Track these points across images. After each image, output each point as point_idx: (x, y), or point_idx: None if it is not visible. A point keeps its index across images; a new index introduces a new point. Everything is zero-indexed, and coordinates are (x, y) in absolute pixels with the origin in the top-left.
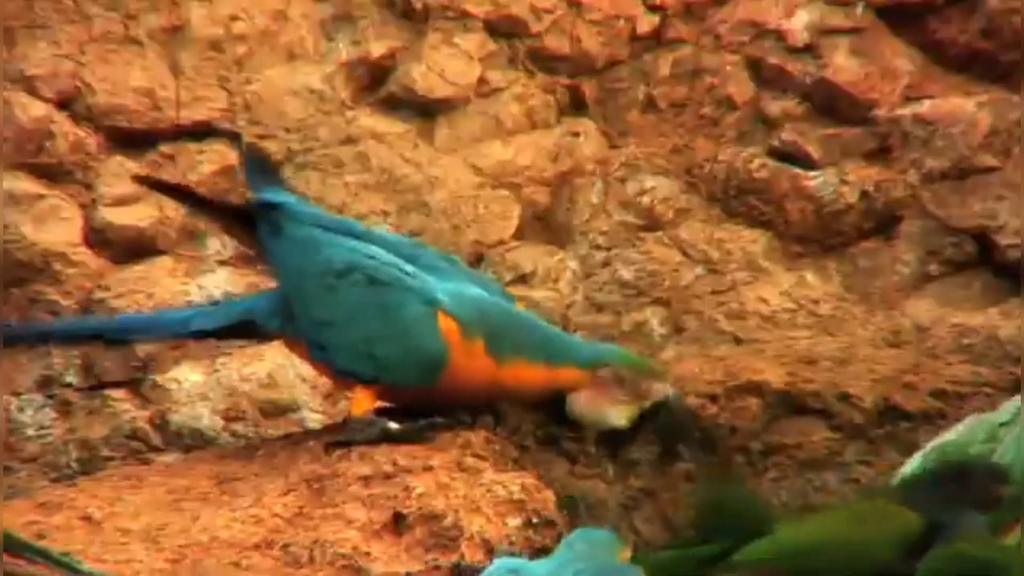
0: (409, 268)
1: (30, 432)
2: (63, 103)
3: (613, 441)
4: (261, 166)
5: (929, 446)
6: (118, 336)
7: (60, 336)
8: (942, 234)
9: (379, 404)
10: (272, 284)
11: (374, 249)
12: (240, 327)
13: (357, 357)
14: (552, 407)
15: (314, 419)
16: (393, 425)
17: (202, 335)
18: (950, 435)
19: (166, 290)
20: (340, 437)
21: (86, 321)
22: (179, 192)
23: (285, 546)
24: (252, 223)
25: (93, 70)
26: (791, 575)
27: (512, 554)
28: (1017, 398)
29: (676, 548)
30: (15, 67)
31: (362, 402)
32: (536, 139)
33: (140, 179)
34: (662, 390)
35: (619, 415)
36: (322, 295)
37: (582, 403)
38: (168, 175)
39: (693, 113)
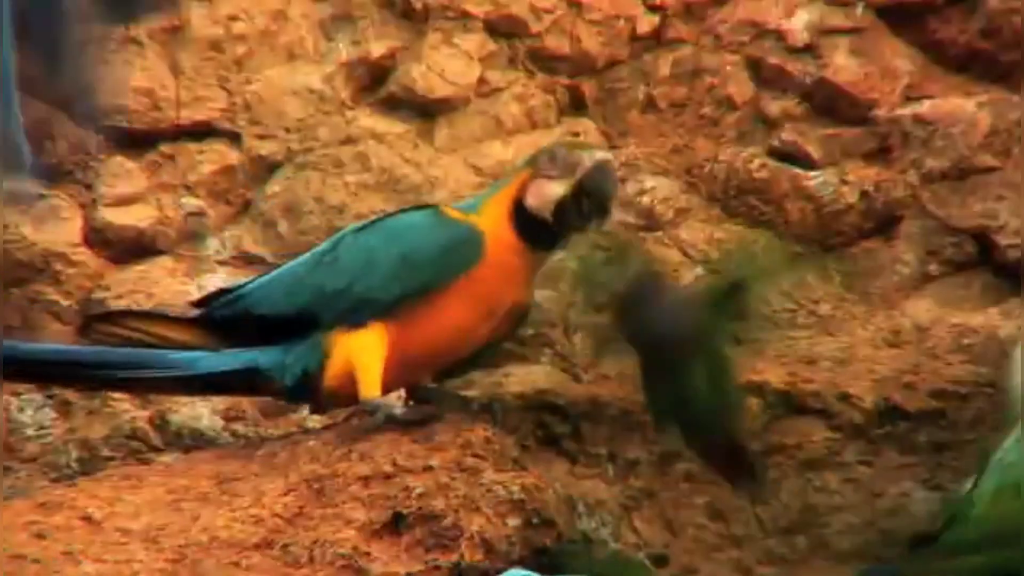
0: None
1: (30, 432)
2: (63, 103)
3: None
4: None
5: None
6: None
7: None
8: (942, 234)
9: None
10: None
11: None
12: (245, 376)
13: (401, 279)
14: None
15: (314, 419)
16: (398, 410)
17: (203, 381)
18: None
19: (166, 290)
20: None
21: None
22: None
23: (285, 546)
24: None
25: None
26: None
27: (526, 566)
28: None
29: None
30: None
31: (370, 379)
32: (536, 139)
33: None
34: (589, 158)
35: (561, 187)
36: (321, 275)
37: (534, 196)
38: (168, 175)
39: (693, 113)
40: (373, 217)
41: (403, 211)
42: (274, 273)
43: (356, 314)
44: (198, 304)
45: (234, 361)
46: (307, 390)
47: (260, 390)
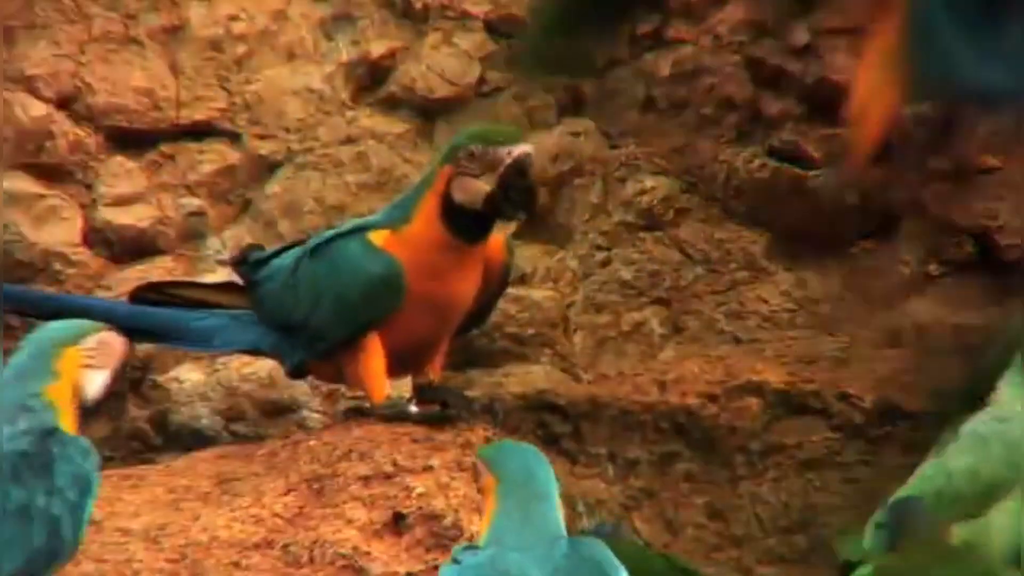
0: (342, 229)
1: None
2: (63, 103)
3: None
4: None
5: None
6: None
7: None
8: (942, 234)
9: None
10: None
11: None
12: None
13: (341, 321)
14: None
15: (314, 419)
16: (413, 409)
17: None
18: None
19: None
20: (363, 408)
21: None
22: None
23: (285, 546)
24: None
25: (93, 70)
26: None
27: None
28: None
29: None
30: (15, 67)
31: (378, 384)
32: (536, 139)
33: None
34: (509, 154)
35: (489, 183)
36: (291, 298)
37: (458, 195)
38: (167, 175)
39: (693, 113)
40: (335, 228)
41: (339, 235)
42: (277, 268)
43: (320, 343)
44: (233, 261)
45: (242, 341)
46: (305, 373)
47: (268, 357)
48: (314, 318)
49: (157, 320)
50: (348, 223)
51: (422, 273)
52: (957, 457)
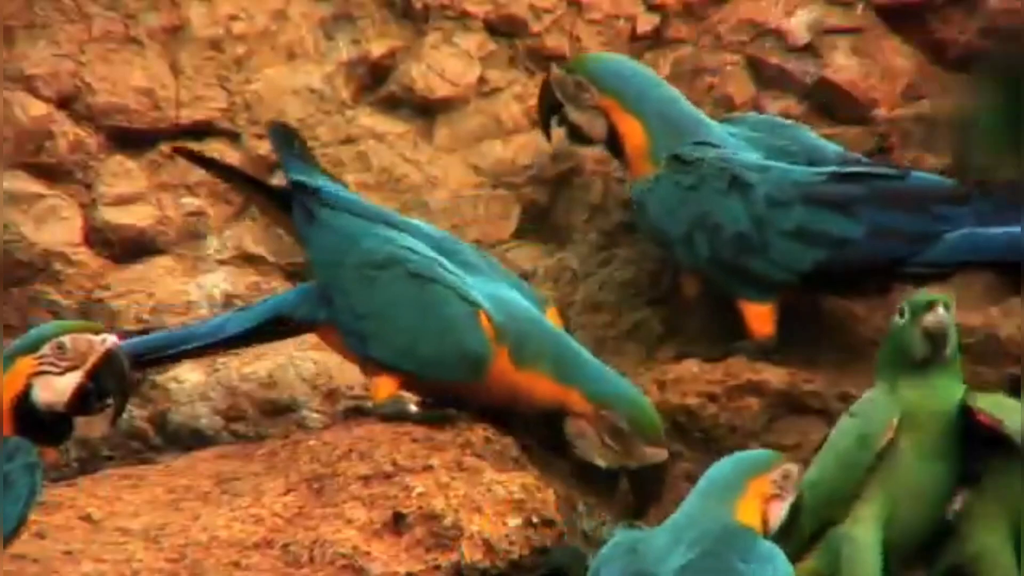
0: (448, 265)
1: None
2: (63, 103)
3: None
4: (294, 148)
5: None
6: (153, 354)
7: None
8: None
9: (401, 393)
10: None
11: (412, 241)
12: (272, 325)
13: (397, 351)
14: (554, 419)
15: (314, 419)
16: (412, 408)
17: (237, 341)
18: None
19: (166, 289)
20: (363, 407)
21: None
22: (220, 168)
23: (285, 546)
24: (289, 206)
25: (93, 70)
26: None
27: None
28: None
29: None
30: (15, 66)
31: (385, 388)
32: (536, 139)
33: (183, 153)
34: (655, 455)
35: (603, 460)
36: (361, 286)
37: (576, 431)
38: (167, 175)
39: None
40: None
41: None
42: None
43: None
44: (296, 183)
45: (259, 316)
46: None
47: (292, 332)
48: (372, 325)
49: (157, 340)
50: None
51: (491, 389)
52: (812, 467)
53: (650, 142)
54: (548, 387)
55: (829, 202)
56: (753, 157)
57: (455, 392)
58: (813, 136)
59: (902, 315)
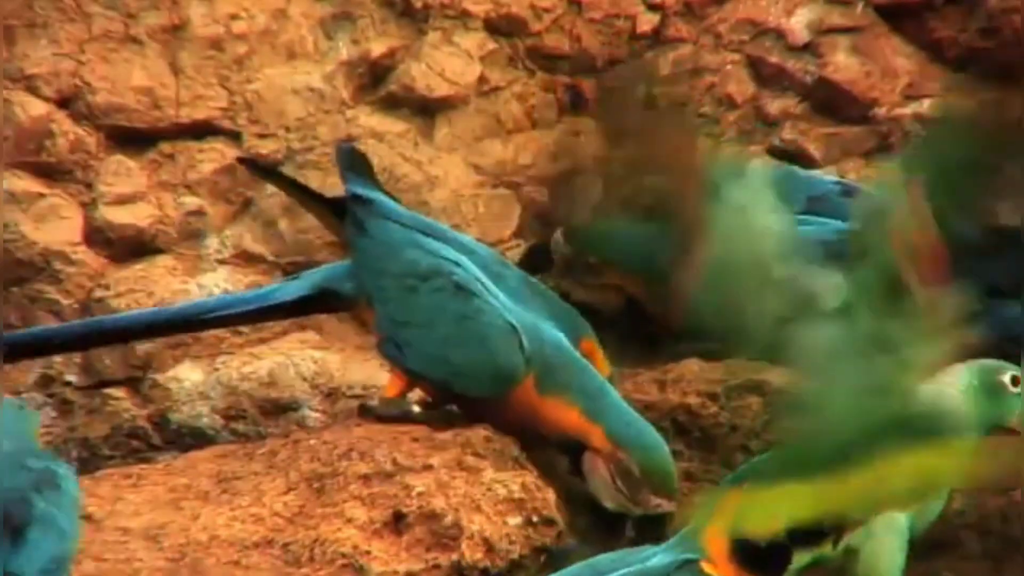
0: (490, 285)
1: None
2: (63, 102)
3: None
4: (355, 164)
5: None
6: (194, 323)
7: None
8: None
9: (411, 393)
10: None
11: (458, 256)
12: (320, 297)
13: (431, 361)
14: (573, 448)
15: (314, 418)
16: (416, 409)
17: (284, 309)
18: None
19: (166, 289)
20: (369, 407)
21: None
22: (278, 177)
23: (285, 545)
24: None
25: (93, 69)
26: None
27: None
28: None
29: None
30: (15, 66)
31: (396, 386)
32: (536, 138)
33: (245, 162)
34: (660, 507)
35: (611, 502)
36: (403, 295)
37: (591, 467)
38: (167, 174)
39: (693, 112)
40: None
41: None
42: (391, 244)
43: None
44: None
45: (308, 285)
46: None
47: (341, 307)
48: (410, 334)
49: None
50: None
51: (513, 409)
52: None
53: None
54: (573, 418)
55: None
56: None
57: (479, 409)
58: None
59: (1015, 383)
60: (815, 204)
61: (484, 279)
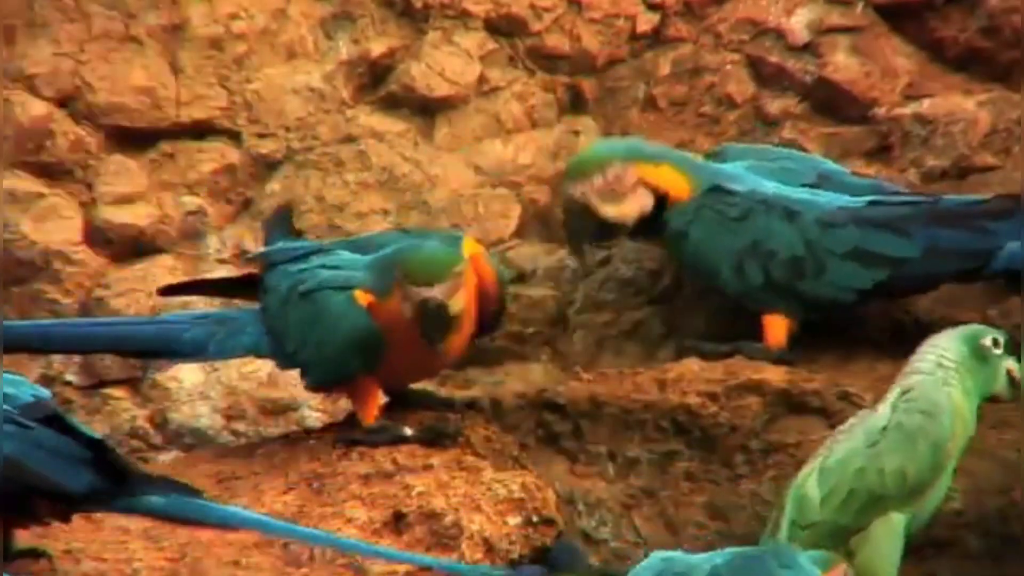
0: (339, 261)
1: None
2: (63, 102)
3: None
4: (278, 224)
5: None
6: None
7: None
8: None
9: (382, 404)
10: None
11: (323, 259)
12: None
13: (322, 369)
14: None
15: (314, 418)
16: (407, 431)
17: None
18: (838, 442)
19: None
20: (354, 437)
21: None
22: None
23: (285, 545)
24: None
25: (93, 69)
26: None
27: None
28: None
29: None
30: (15, 66)
31: (368, 408)
32: (536, 138)
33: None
34: (425, 295)
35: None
36: (283, 325)
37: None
38: (167, 174)
39: (693, 112)
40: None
41: (327, 287)
42: (282, 278)
43: (307, 378)
44: (256, 256)
45: (238, 346)
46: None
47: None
48: (301, 356)
49: (145, 336)
50: (336, 262)
51: (400, 340)
52: (889, 456)
53: (686, 178)
54: (396, 303)
55: (882, 223)
56: (787, 187)
57: (403, 364)
58: (809, 157)
59: (996, 345)
60: (824, 181)
61: (336, 262)
